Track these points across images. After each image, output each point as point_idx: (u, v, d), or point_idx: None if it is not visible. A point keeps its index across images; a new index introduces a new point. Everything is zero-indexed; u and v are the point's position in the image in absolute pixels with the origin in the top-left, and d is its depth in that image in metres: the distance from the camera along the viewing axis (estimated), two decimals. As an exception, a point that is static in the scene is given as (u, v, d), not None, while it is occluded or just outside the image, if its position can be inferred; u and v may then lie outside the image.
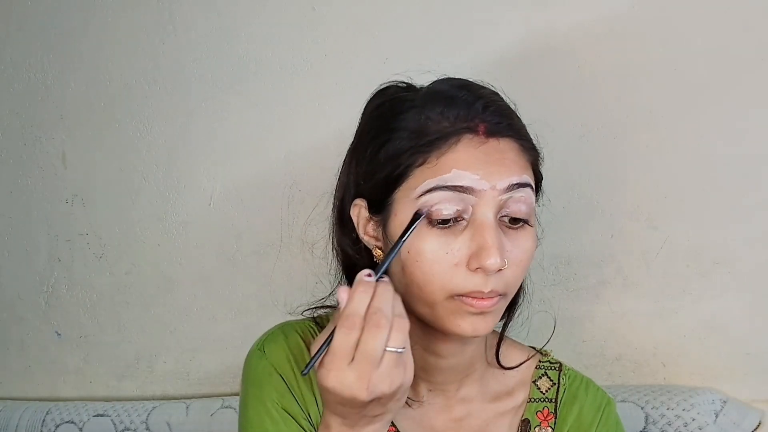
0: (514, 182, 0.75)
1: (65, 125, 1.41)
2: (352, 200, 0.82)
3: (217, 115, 1.31)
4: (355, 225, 0.82)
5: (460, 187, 0.73)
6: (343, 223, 0.84)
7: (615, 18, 1.11)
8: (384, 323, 0.68)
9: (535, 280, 0.95)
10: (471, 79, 0.82)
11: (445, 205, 0.74)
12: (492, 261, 0.72)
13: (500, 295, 0.76)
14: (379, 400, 0.69)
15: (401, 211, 0.76)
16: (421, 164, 0.75)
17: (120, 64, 1.36)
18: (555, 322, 0.94)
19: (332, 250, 0.87)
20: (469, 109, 0.76)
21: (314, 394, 0.83)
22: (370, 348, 0.67)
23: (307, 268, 1.24)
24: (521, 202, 0.76)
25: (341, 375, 0.67)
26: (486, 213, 0.74)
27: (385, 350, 0.67)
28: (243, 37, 1.29)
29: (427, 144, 0.75)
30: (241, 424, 0.84)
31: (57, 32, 1.40)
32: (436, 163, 0.74)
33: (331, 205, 0.87)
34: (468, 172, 0.74)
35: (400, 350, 0.68)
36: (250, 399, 0.83)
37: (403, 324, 0.69)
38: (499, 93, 0.82)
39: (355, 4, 1.23)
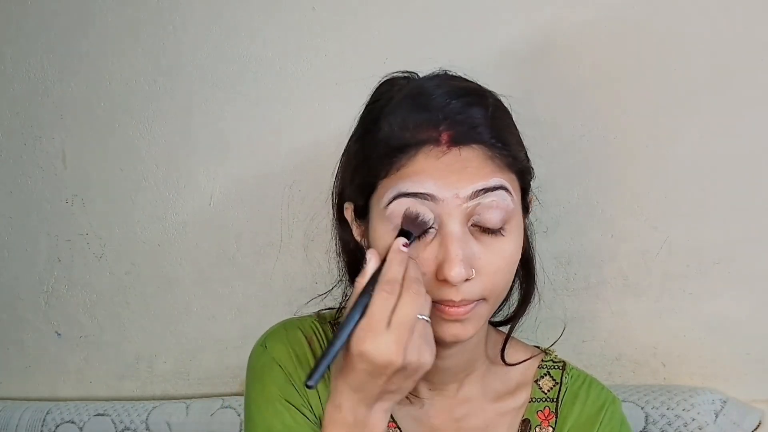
0: (479, 188, 0.73)
1: (65, 125, 1.41)
2: (345, 201, 0.84)
3: (217, 115, 1.31)
4: (350, 225, 0.84)
5: (421, 194, 0.73)
6: (342, 220, 0.85)
7: (615, 18, 1.11)
8: (423, 292, 0.70)
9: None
10: (461, 74, 0.81)
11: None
12: (454, 273, 0.72)
13: (478, 300, 0.75)
14: (404, 371, 0.70)
15: (374, 219, 0.77)
16: (384, 176, 0.75)
17: (120, 65, 1.36)
18: (565, 325, 0.94)
19: (335, 247, 0.88)
20: (435, 115, 0.74)
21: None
22: (407, 313, 0.69)
23: (307, 268, 1.25)
24: (493, 208, 0.74)
25: (378, 339, 0.68)
26: (451, 222, 0.73)
27: (417, 317, 0.69)
28: (243, 37, 1.29)
29: (389, 155, 0.74)
30: (245, 421, 0.84)
31: (57, 32, 1.40)
32: (397, 173, 0.74)
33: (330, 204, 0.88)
34: (428, 179, 0.73)
35: (427, 318, 0.71)
36: (253, 394, 0.84)
37: (429, 297, 0.72)
38: (486, 90, 0.80)
39: (355, 4, 1.22)
